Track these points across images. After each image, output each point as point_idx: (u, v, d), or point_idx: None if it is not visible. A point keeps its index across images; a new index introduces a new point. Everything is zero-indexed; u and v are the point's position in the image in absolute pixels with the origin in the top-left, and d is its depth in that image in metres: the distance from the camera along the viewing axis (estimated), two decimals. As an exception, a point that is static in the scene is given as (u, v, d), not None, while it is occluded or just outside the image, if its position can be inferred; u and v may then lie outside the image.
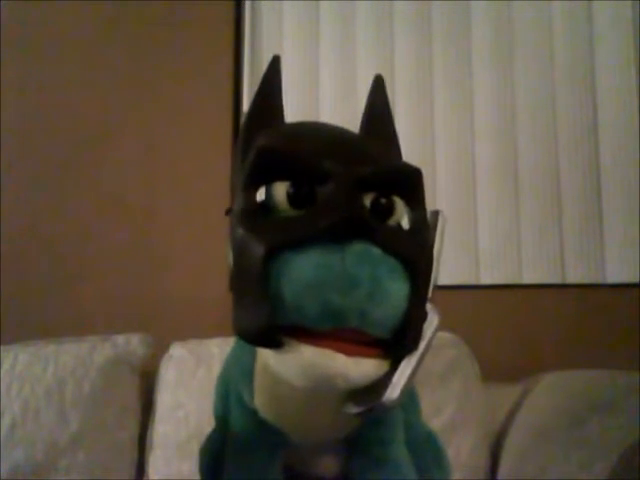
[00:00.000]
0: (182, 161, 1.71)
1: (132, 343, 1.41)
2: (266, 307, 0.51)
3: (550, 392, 1.23)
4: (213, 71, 1.73)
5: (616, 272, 1.59)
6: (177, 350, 1.40)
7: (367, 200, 0.55)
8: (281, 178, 0.54)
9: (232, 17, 1.74)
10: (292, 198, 0.54)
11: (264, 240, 0.52)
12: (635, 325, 1.50)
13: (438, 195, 1.63)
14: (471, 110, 1.67)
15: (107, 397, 1.34)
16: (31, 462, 1.27)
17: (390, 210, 0.56)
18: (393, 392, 0.54)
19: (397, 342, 0.53)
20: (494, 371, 1.37)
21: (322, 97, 1.70)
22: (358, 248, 0.51)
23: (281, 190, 0.54)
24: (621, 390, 1.09)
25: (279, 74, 0.64)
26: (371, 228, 0.53)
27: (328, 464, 0.72)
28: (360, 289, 0.50)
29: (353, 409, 0.55)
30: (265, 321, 0.51)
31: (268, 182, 0.55)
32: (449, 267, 1.61)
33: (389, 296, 0.51)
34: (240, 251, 0.53)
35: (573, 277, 1.60)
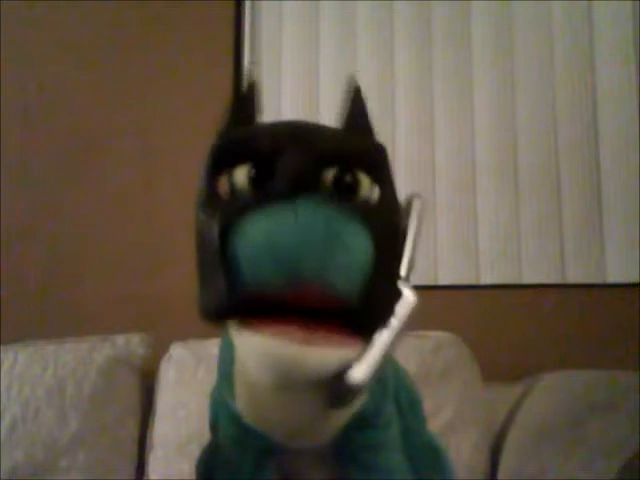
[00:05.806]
0: (182, 161, 1.71)
1: (132, 343, 1.41)
2: (224, 279, 0.50)
3: (550, 392, 1.23)
4: (213, 71, 1.73)
5: (616, 272, 1.59)
6: (177, 350, 1.40)
7: (329, 176, 0.54)
8: (241, 163, 0.55)
9: (232, 17, 1.74)
10: (253, 180, 0.54)
11: (220, 216, 0.52)
12: (635, 325, 1.50)
13: (438, 195, 1.62)
14: (471, 110, 1.67)
15: (107, 397, 1.34)
16: (31, 462, 1.28)
17: (355, 187, 0.55)
18: (357, 371, 0.50)
19: (364, 316, 0.51)
20: (494, 371, 1.37)
21: (322, 97, 1.69)
22: (311, 203, 0.50)
23: (242, 174, 0.54)
24: (621, 390, 1.09)
25: (255, 102, 0.62)
26: (327, 193, 0.52)
27: (318, 471, 0.68)
28: (314, 238, 0.48)
29: (324, 400, 0.52)
30: (224, 294, 0.50)
31: (229, 168, 0.55)
32: (449, 267, 1.61)
33: (348, 245, 0.49)
34: (200, 235, 0.54)
35: (573, 277, 1.60)
